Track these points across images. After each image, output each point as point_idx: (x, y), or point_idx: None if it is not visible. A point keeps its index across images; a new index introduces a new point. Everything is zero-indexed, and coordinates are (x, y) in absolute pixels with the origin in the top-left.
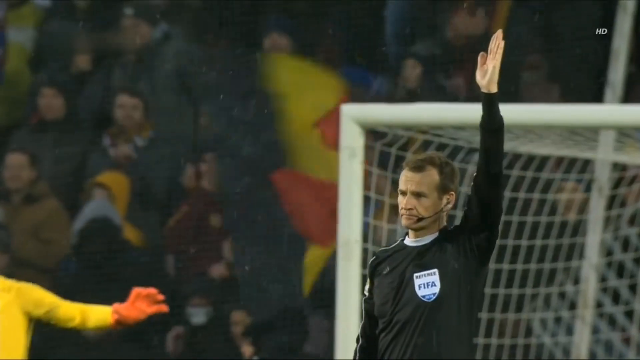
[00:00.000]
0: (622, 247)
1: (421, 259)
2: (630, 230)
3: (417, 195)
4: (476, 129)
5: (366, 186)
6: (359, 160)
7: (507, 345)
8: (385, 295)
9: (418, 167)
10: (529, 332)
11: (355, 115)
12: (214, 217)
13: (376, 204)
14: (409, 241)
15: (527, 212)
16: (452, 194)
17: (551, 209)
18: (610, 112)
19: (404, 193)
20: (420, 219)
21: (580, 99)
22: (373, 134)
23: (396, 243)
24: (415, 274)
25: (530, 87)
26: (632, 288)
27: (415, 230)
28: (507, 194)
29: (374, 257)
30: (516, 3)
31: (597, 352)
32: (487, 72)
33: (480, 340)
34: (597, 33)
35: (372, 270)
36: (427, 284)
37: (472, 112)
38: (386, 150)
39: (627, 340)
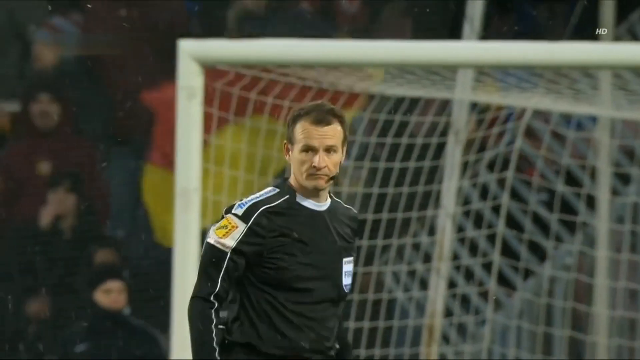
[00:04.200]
0: (480, 195)
1: (343, 240)
2: (489, 177)
3: (328, 150)
4: (327, 66)
5: (206, 129)
6: (198, 101)
7: (355, 300)
8: (307, 267)
9: (324, 120)
10: (379, 287)
11: (193, 52)
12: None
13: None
14: (312, 204)
15: (379, 157)
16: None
17: (405, 154)
18: (469, 49)
19: (313, 149)
20: (331, 178)
21: (436, 35)
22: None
23: (283, 200)
24: (344, 259)
25: (385, 23)
26: (491, 239)
27: (321, 190)
28: (359, 138)
29: (254, 207)
30: None
31: (453, 307)
32: None
33: None
34: (597, 33)
35: (259, 226)
36: (348, 273)
37: (323, 48)
38: (227, 90)
39: (484, 295)
